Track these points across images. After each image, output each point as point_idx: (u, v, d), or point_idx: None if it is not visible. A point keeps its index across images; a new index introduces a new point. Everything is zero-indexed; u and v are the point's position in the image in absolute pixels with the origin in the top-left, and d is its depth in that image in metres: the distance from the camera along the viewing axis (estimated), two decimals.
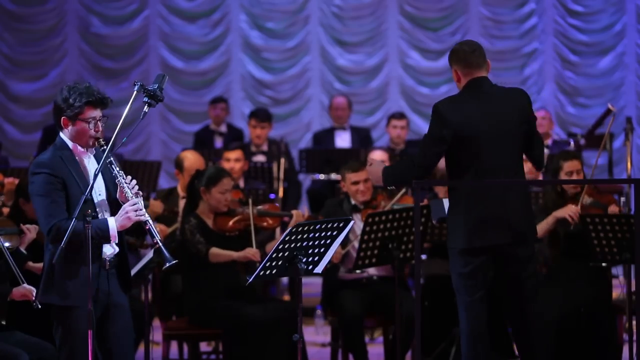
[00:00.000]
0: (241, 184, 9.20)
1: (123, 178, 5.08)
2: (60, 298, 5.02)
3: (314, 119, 13.80)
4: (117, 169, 5.08)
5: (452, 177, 5.85)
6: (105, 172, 5.13)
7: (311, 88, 13.86)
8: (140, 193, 5.11)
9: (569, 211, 6.88)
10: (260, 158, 10.85)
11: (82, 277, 4.99)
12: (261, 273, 5.21)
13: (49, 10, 13.95)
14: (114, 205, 5.16)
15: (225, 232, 7.05)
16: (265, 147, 10.99)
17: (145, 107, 5.13)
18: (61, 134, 5.14)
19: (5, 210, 6.87)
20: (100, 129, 5.09)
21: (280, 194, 9.95)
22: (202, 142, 11.70)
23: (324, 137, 11.78)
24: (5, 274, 5.81)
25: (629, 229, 6.59)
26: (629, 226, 6.59)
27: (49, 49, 13.93)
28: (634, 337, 6.64)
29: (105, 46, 13.97)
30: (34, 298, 5.56)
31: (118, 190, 5.12)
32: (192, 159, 8.41)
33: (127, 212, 5.02)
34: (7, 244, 5.77)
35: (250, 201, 7.16)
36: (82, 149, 5.12)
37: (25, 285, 5.69)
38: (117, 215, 5.05)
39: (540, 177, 8.28)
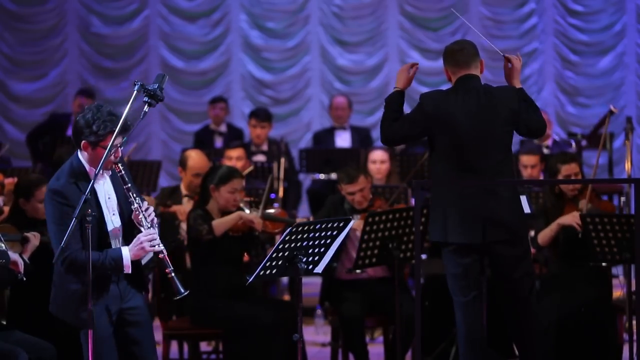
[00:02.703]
0: None
1: (139, 205, 5.10)
2: (74, 318, 5.07)
3: (314, 118, 13.79)
4: (134, 195, 5.10)
5: (430, 168, 5.89)
6: (119, 192, 5.14)
7: (311, 88, 13.85)
8: (156, 221, 5.13)
9: (576, 219, 6.85)
10: (260, 158, 10.85)
11: (85, 298, 4.98)
12: (261, 273, 5.21)
13: (49, 10, 13.94)
14: (127, 228, 5.16)
15: (230, 232, 7.04)
16: (265, 147, 10.99)
17: (146, 106, 5.14)
18: (79, 155, 5.15)
19: (6, 209, 6.85)
20: (120, 154, 5.11)
21: (280, 193, 9.94)
22: (202, 142, 11.69)
23: (324, 137, 11.77)
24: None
25: (629, 229, 6.58)
26: (629, 226, 6.58)
27: (49, 49, 13.92)
28: (634, 337, 6.64)
29: (105, 46, 13.97)
30: (20, 270, 5.50)
31: (133, 213, 5.12)
32: (196, 158, 8.45)
33: (141, 243, 5.05)
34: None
35: (262, 206, 7.17)
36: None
37: (17, 255, 5.63)
38: (131, 245, 5.07)
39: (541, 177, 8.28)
